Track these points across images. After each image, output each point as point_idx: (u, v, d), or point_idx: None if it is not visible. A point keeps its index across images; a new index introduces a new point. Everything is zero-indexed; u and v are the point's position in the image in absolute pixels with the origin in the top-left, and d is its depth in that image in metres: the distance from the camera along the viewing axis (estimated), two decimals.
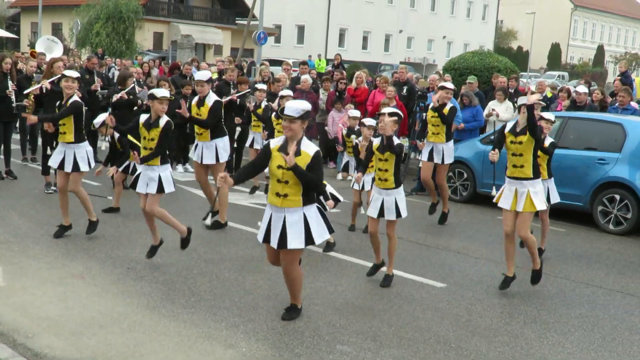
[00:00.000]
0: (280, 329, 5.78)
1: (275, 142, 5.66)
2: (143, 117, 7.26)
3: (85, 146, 8.10)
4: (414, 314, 6.39)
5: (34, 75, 12.02)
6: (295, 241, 5.62)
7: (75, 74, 8.35)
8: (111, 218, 9.14)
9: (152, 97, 7.19)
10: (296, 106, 5.50)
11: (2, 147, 11.52)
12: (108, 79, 15.75)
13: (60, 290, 6.37)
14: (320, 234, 5.73)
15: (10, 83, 11.10)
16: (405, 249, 8.72)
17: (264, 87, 11.19)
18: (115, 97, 10.61)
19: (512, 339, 5.96)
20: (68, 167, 7.98)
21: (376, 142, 7.07)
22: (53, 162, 8.11)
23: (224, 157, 8.95)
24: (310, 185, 5.56)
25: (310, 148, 5.56)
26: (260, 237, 5.81)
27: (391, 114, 6.88)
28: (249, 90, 12.27)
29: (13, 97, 11.05)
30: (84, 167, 8.06)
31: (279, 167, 5.52)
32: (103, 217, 9.17)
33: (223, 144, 8.93)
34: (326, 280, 7.16)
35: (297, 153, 5.49)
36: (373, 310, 6.41)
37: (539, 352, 5.73)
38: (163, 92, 7.27)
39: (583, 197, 10.62)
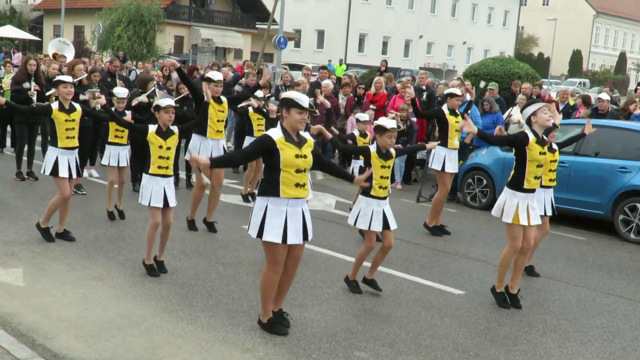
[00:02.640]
0: (298, 334, 5.77)
1: (276, 135, 5.39)
2: (152, 128, 7.02)
3: None
4: (432, 321, 6.36)
5: (56, 77, 12.11)
6: (311, 231, 5.68)
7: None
8: (130, 221, 9.19)
9: (157, 108, 7.06)
10: None
11: (27, 149, 11.63)
12: (129, 82, 15.86)
13: (79, 292, 6.41)
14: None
15: (33, 84, 11.19)
16: (423, 256, 8.69)
17: (260, 94, 11.00)
18: (136, 100, 10.66)
19: (531, 347, 5.91)
20: (74, 174, 7.96)
21: (374, 148, 6.71)
22: (64, 172, 7.83)
23: None
24: (331, 167, 6.01)
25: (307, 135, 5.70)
26: (278, 238, 5.42)
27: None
28: (270, 94, 12.30)
29: (34, 98, 11.14)
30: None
31: (299, 156, 5.40)
32: (123, 220, 9.24)
33: (224, 144, 9.07)
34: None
35: (305, 140, 5.54)
36: (390, 317, 6.39)
37: None
38: (168, 101, 7.15)
39: (604, 206, 10.52)
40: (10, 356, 4.95)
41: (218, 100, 8.83)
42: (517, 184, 6.77)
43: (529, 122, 6.79)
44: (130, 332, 5.58)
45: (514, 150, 6.80)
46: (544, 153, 6.77)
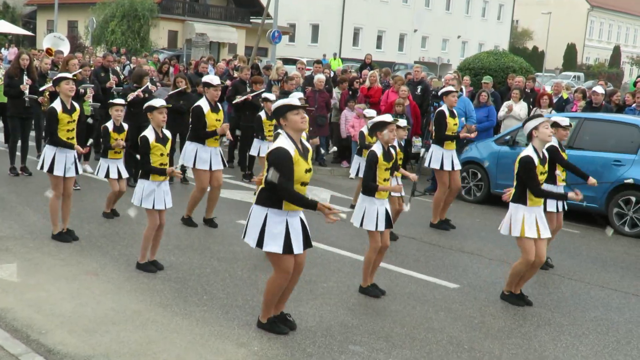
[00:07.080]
0: None
1: (289, 147, 5.24)
2: (151, 135, 6.97)
3: None
4: (427, 314, 6.37)
5: (49, 72, 12.07)
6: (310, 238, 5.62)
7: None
8: (124, 217, 9.15)
9: (151, 108, 7.00)
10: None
11: (20, 143, 11.57)
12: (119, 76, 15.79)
13: (73, 287, 6.40)
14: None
15: (25, 78, 11.15)
16: (418, 250, 8.70)
17: (272, 96, 10.98)
18: (131, 96, 10.63)
19: (525, 341, 5.92)
20: (72, 172, 7.89)
21: (379, 150, 6.60)
22: (59, 171, 7.71)
23: (225, 163, 9.05)
24: None
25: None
26: (280, 248, 5.31)
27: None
28: (264, 89, 12.27)
29: (27, 92, 11.11)
30: (80, 169, 8.12)
31: (307, 170, 5.34)
32: (117, 216, 9.21)
33: (220, 151, 9.01)
34: (339, 280, 7.15)
35: (308, 150, 5.48)
36: (385, 311, 6.40)
37: (553, 354, 5.69)
38: (160, 101, 7.10)
39: (598, 199, 10.54)
40: (4, 352, 4.94)
41: (216, 109, 8.73)
42: (520, 200, 6.63)
43: (530, 136, 6.69)
44: (124, 327, 5.57)
45: (515, 169, 6.61)
46: (545, 173, 6.71)
